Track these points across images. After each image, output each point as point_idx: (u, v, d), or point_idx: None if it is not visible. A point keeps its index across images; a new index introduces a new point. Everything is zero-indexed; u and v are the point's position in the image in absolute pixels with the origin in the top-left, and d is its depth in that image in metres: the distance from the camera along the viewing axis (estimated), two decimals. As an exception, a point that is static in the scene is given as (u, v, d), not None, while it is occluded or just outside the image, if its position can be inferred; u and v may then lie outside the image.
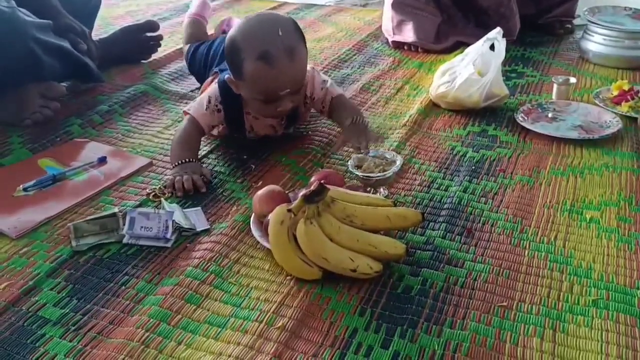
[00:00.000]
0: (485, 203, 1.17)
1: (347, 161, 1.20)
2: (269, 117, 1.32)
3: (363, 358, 0.82)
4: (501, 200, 1.18)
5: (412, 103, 1.62)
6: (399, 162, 1.15)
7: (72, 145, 1.40)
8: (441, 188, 1.22)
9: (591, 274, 0.98)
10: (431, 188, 1.22)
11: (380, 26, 2.17)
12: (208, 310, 0.90)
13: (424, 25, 2.00)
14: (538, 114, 1.52)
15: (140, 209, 1.09)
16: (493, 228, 1.09)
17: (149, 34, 1.90)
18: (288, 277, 0.96)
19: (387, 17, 2.08)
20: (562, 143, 1.39)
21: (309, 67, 1.34)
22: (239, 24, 1.25)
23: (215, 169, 1.30)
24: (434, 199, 1.19)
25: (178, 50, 1.98)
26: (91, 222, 1.07)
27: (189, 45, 1.70)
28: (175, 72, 1.84)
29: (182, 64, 1.86)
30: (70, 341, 0.85)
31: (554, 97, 1.63)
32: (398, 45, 2.05)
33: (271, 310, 0.90)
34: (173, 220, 1.06)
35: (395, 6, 2.04)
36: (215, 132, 1.39)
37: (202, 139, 1.36)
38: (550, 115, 1.52)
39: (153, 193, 1.20)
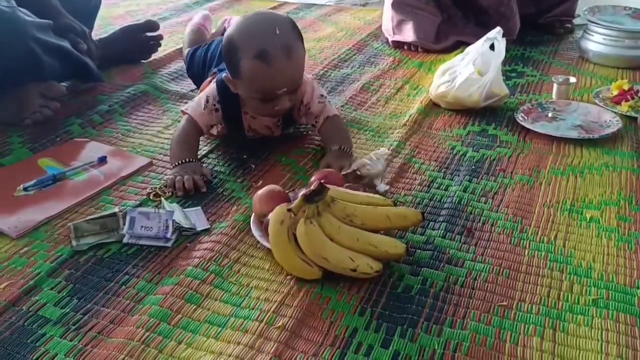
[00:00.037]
0: (485, 203, 1.17)
1: None
2: (266, 116, 1.32)
3: (363, 357, 0.82)
4: (501, 200, 1.18)
5: (412, 103, 1.63)
6: (383, 151, 1.16)
7: (72, 145, 1.40)
8: (441, 188, 1.22)
9: (591, 273, 0.98)
10: (431, 188, 1.22)
11: (380, 26, 2.17)
12: (208, 309, 0.90)
13: (424, 25, 2.00)
14: (538, 114, 1.53)
15: (140, 209, 1.09)
16: (493, 227, 1.09)
17: (149, 34, 1.90)
18: (288, 277, 0.96)
19: (387, 16, 2.08)
20: (562, 142, 1.39)
21: (310, 78, 1.34)
22: (236, 23, 1.25)
23: (215, 168, 1.30)
24: (434, 198, 1.19)
25: (178, 50, 1.98)
26: (91, 222, 1.07)
27: (188, 49, 1.70)
28: (175, 72, 1.84)
29: (182, 63, 1.86)
30: (71, 340, 0.85)
31: (554, 96, 1.63)
32: (398, 45, 2.05)
33: (271, 310, 0.90)
34: (173, 220, 1.07)
35: (395, 6, 2.04)
36: (214, 131, 1.39)
37: (202, 138, 1.36)
38: (550, 114, 1.52)
39: (154, 192, 1.20)
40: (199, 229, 1.09)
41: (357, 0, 2.70)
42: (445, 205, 1.16)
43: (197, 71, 1.60)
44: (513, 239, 1.06)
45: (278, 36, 1.19)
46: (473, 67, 1.53)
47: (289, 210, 0.95)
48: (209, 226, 1.10)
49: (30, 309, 0.91)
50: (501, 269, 0.99)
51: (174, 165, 1.25)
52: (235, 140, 1.39)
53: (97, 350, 0.83)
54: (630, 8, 1.96)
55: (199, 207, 1.15)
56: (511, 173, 1.27)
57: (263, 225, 1.03)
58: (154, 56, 1.93)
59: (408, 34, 2.01)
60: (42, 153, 1.36)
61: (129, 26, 1.94)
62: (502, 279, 0.96)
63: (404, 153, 1.35)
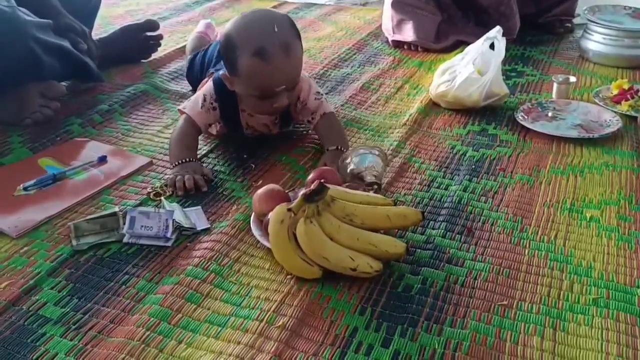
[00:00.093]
0: (485, 202, 1.17)
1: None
2: (264, 113, 1.32)
3: (363, 357, 0.82)
4: (501, 199, 1.18)
5: (412, 102, 1.63)
6: (378, 152, 1.17)
7: (73, 145, 1.40)
8: (441, 187, 1.22)
9: (591, 272, 0.98)
10: (431, 187, 1.22)
11: (380, 25, 2.17)
12: (208, 309, 0.90)
13: (424, 25, 2.00)
14: (538, 113, 1.53)
15: (140, 208, 1.09)
16: (493, 227, 1.09)
17: (148, 34, 1.89)
18: (288, 276, 0.96)
19: (387, 16, 2.08)
20: (562, 142, 1.39)
21: (306, 75, 1.34)
22: (234, 20, 1.25)
23: (215, 168, 1.30)
24: (434, 198, 1.19)
25: (178, 50, 1.98)
26: (91, 222, 1.07)
27: (189, 56, 1.70)
28: (175, 72, 1.84)
29: (182, 63, 1.86)
30: (71, 340, 0.85)
31: (554, 96, 1.63)
32: (398, 45, 2.05)
33: (271, 309, 0.90)
34: (173, 220, 1.07)
35: (395, 5, 2.04)
36: (213, 131, 1.39)
37: (201, 138, 1.36)
38: (550, 114, 1.52)
39: (154, 192, 1.20)
40: (199, 228, 1.09)
41: (357, 0, 2.70)
42: (445, 205, 1.16)
43: (195, 75, 1.60)
44: (513, 238, 1.06)
45: (276, 34, 1.19)
46: (473, 67, 1.53)
47: (289, 209, 0.95)
48: (209, 226, 1.10)
49: (31, 309, 0.91)
50: (501, 269, 0.99)
51: (174, 165, 1.25)
52: (234, 140, 1.39)
53: (97, 350, 0.83)
54: (630, 7, 1.96)
55: (199, 207, 1.15)
56: (511, 172, 1.27)
57: (263, 225, 1.03)
58: (154, 56, 1.93)
59: (408, 33, 2.01)
60: (42, 153, 1.36)
61: (129, 26, 1.94)
62: (503, 279, 0.96)
63: (404, 152, 1.35)
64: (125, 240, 1.05)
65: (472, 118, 1.52)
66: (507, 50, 1.57)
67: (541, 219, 1.11)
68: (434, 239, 1.06)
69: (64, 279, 0.97)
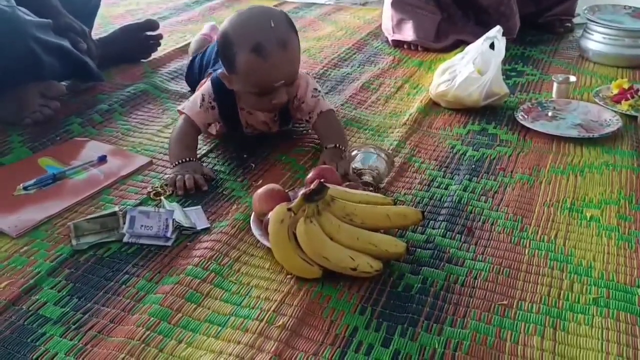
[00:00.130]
0: (485, 202, 1.17)
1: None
2: (264, 110, 1.31)
3: (363, 356, 0.82)
4: (501, 199, 1.18)
5: (412, 102, 1.63)
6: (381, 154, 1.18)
7: (72, 144, 1.40)
8: (441, 187, 1.22)
9: (591, 272, 0.98)
10: (431, 187, 1.22)
11: (380, 25, 2.17)
12: (208, 308, 0.90)
13: (424, 24, 2.00)
14: (538, 113, 1.53)
15: (140, 208, 1.09)
16: (493, 227, 1.09)
17: (148, 33, 1.89)
18: (288, 276, 0.96)
19: (387, 15, 2.08)
20: (562, 141, 1.39)
21: (304, 73, 1.34)
22: (230, 19, 1.25)
23: (215, 168, 1.30)
24: (434, 197, 1.19)
25: (178, 49, 1.98)
26: (91, 221, 1.07)
27: (190, 57, 1.70)
28: (175, 71, 1.84)
29: (181, 63, 1.87)
30: (71, 340, 0.85)
31: (554, 95, 1.63)
32: (398, 44, 2.05)
33: (271, 309, 0.90)
34: (173, 219, 1.06)
35: (395, 5, 2.04)
36: (213, 131, 1.39)
37: (201, 138, 1.36)
38: (550, 113, 1.52)
39: (154, 191, 1.20)
40: (199, 228, 1.09)
41: (356, 0, 2.70)
42: (446, 204, 1.16)
43: (194, 77, 1.59)
44: (513, 238, 1.06)
45: (273, 29, 1.19)
46: (473, 66, 1.53)
47: (289, 209, 0.95)
48: (209, 225, 1.10)
49: (31, 308, 0.91)
50: (501, 268, 0.99)
51: (174, 164, 1.25)
52: (234, 140, 1.39)
53: (97, 350, 0.83)
54: (630, 7, 1.96)
55: (199, 206, 1.15)
56: (511, 172, 1.27)
57: (263, 225, 1.03)
58: (154, 55, 1.93)
59: (408, 33, 2.01)
60: (42, 152, 1.36)
61: (129, 25, 1.94)
62: (503, 278, 0.96)
63: (404, 152, 1.35)
64: (125, 239, 1.05)
65: (472, 117, 1.52)
66: (507, 49, 1.57)
67: (541, 219, 1.11)
68: (434, 238, 1.06)
69: (64, 278, 0.97)
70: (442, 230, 1.08)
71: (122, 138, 1.44)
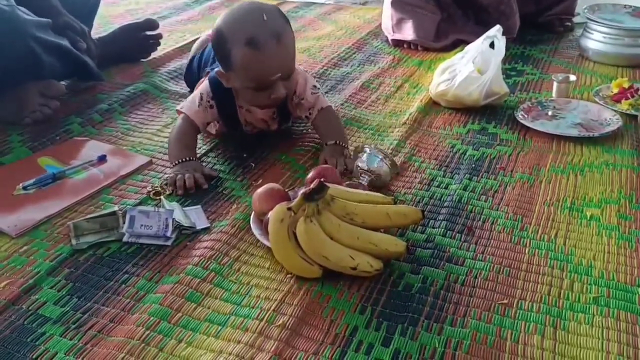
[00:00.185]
0: (485, 201, 1.17)
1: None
2: (263, 106, 1.31)
3: (364, 356, 0.82)
4: (501, 198, 1.18)
5: (412, 101, 1.62)
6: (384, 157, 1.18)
7: (72, 144, 1.40)
8: (441, 186, 1.22)
9: (592, 271, 0.98)
10: (431, 186, 1.22)
11: (380, 24, 2.16)
12: (208, 308, 0.90)
13: (424, 24, 2.00)
14: (538, 112, 1.52)
15: (140, 208, 1.09)
16: (493, 226, 1.09)
17: (148, 33, 1.89)
18: (288, 275, 0.96)
19: (387, 15, 2.08)
20: (562, 141, 1.39)
21: (301, 69, 1.34)
22: (222, 16, 1.24)
23: (215, 167, 1.30)
24: (434, 196, 1.18)
25: (177, 49, 1.98)
26: (91, 221, 1.07)
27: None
28: (174, 71, 1.84)
29: (181, 62, 1.86)
30: (71, 339, 0.85)
31: (554, 95, 1.63)
32: (398, 44, 2.04)
33: (271, 309, 0.90)
34: (173, 219, 1.06)
35: (394, 4, 2.04)
36: (213, 130, 1.39)
37: (201, 138, 1.36)
38: (550, 113, 1.52)
39: (154, 191, 1.20)
40: (198, 227, 1.08)
41: (356, -1, 2.70)
42: (446, 204, 1.16)
43: (192, 77, 1.59)
44: (513, 237, 1.06)
45: (266, 22, 1.18)
46: (473, 66, 1.52)
47: (289, 208, 0.95)
48: (208, 225, 1.10)
49: (30, 308, 0.91)
50: (502, 267, 0.98)
51: (173, 164, 1.25)
52: (234, 139, 1.39)
53: (97, 349, 0.83)
54: (630, 6, 1.96)
55: (199, 206, 1.15)
56: (511, 171, 1.27)
57: (263, 224, 1.03)
58: (154, 55, 1.93)
59: (408, 32, 2.01)
60: (41, 152, 1.36)
61: (129, 25, 1.94)
62: (503, 277, 0.96)
63: (404, 151, 1.35)
64: (125, 239, 1.05)
65: (472, 117, 1.52)
66: (507, 49, 1.56)
67: (541, 218, 1.11)
68: (434, 237, 1.06)
69: (64, 278, 0.97)
70: (442, 230, 1.07)
71: (122, 137, 1.43)
